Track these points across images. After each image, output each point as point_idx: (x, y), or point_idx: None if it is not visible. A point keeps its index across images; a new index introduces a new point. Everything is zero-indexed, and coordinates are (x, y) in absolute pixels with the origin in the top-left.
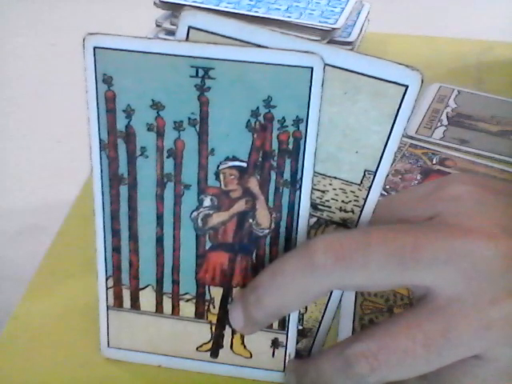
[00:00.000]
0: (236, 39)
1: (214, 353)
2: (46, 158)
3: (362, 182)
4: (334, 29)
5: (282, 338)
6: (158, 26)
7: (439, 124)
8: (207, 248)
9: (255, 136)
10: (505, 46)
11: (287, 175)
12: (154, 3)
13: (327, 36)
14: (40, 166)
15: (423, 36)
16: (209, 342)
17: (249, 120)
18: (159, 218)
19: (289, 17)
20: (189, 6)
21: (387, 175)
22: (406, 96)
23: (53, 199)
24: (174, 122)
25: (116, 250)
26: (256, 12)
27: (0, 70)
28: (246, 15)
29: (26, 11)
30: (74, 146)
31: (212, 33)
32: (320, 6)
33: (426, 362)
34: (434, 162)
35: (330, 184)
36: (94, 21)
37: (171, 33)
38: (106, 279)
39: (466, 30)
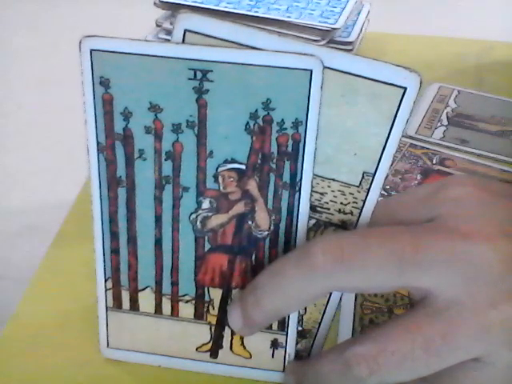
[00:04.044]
0: (233, 42)
1: (214, 353)
2: (46, 158)
3: (360, 183)
4: (333, 29)
5: (281, 338)
6: (158, 26)
7: (439, 124)
8: (206, 250)
9: (254, 138)
10: (505, 46)
11: (286, 177)
12: (154, 3)
13: (327, 36)
14: (40, 166)
15: (423, 36)
16: (208, 342)
17: (248, 122)
18: (158, 220)
19: (289, 17)
20: (187, 6)
21: (386, 176)
22: (404, 98)
23: (53, 199)
24: (172, 125)
25: (115, 251)
26: (256, 12)
27: (0, 70)
28: (246, 15)
29: (26, 11)
30: (73, 146)
31: (208, 36)
32: (320, 6)
33: (426, 364)
34: (434, 162)
35: (329, 186)
36: (94, 21)
37: (171, 33)
38: (105, 281)
39: (466, 30)
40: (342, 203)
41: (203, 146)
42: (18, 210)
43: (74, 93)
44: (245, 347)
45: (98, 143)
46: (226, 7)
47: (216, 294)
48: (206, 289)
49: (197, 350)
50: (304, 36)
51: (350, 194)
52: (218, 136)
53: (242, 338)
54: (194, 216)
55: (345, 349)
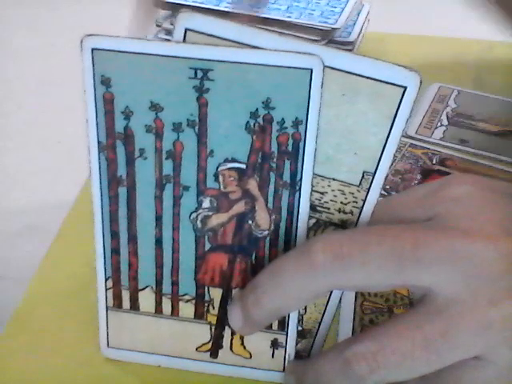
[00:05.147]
0: (234, 41)
1: (214, 353)
2: (46, 158)
3: (360, 183)
4: (333, 29)
5: (281, 338)
6: (157, 26)
7: (439, 124)
8: (206, 249)
9: (254, 137)
10: (505, 46)
11: (286, 177)
12: (154, 3)
13: (327, 36)
14: (40, 166)
15: (423, 36)
16: (208, 342)
17: (248, 122)
18: (158, 220)
19: (289, 17)
20: (187, 6)
21: (386, 176)
22: (404, 97)
23: (53, 199)
24: (173, 124)
25: (115, 251)
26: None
27: (0, 70)
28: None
29: (26, 11)
30: (74, 146)
31: (209, 35)
32: (320, 6)
33: (426, 363)
34: (434, 162)
35: (329, 185)
36: (94, 21)
37: (171, 33)
38: (106, 280)
39: (466, 30)
40: (342, 203)
41: (204, 145)
42: (18, 210)
43: (74, 93)
44: (245, 347)
45: (98, 142)
46: (226, 7)
47: (216, 294)
48: (206, 288)
49: (197, 349)
50: (304, 36)
51: (350, 193)
52: (218, 135)
53: (242, 338)
54: (194, 215)
55: (344, 348)
